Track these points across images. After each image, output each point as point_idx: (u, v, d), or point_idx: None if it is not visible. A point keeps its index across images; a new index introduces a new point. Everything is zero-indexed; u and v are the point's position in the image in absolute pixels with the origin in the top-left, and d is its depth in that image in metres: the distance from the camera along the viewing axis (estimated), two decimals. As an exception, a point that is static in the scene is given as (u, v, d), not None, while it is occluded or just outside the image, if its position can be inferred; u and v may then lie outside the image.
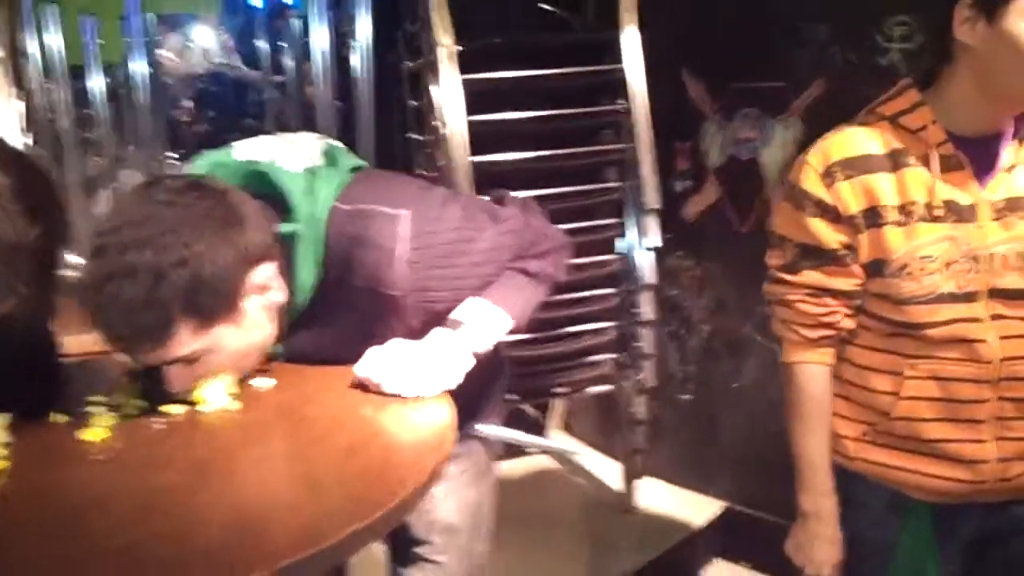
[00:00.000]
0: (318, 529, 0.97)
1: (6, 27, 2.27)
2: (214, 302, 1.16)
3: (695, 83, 2.74)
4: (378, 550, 1.69)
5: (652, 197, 2.56)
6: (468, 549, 1.60)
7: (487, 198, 1.50)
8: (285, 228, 1.26)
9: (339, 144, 1.42)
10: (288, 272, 1.28)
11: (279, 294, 1.26)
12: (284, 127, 3.98)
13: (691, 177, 2.80)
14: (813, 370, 1.44)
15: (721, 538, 2.79)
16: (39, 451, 1.15)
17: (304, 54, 3.61)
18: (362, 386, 1.31)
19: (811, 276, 1.40)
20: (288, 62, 3.76)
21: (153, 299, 1.11)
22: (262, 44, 4.24)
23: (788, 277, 1.43)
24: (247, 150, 1.36)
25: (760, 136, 2.63)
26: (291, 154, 1.34)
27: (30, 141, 2.29)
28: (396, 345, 1.31)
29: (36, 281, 1.10)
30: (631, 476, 2.82)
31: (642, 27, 2.56)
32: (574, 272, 2.57)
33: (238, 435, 1.21)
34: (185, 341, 1.16)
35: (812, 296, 1.41)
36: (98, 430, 1.19)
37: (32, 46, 2.34)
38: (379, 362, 1.29)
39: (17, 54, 2.31)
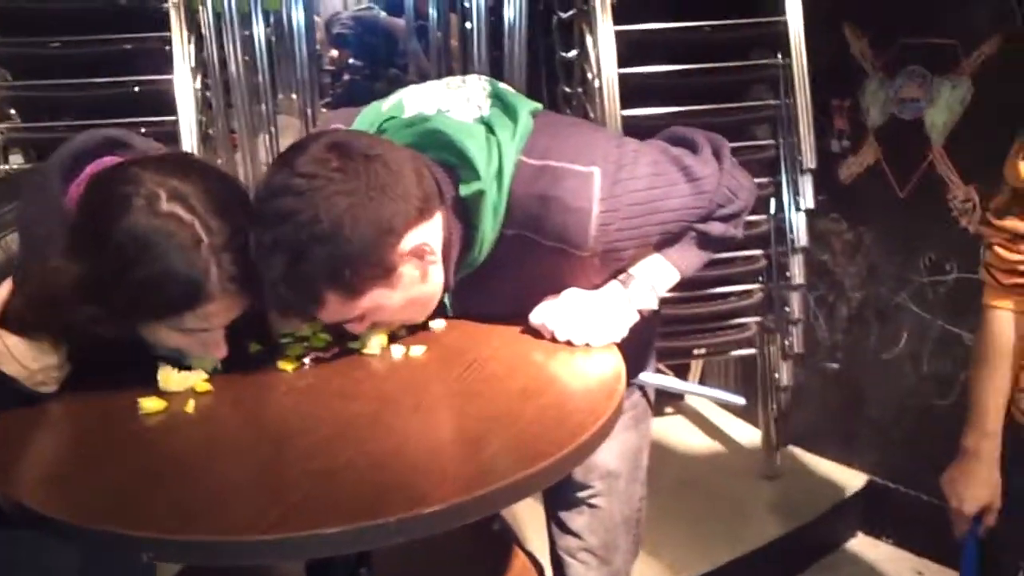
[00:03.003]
0: (504, 466, 1.00)
1: (181, -26, 2.36)
2: (359, 274, 1.14)
3: (858, 37, 2.62)
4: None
5: (808, 156, 2.47)
6: (627, 493, 1.60)
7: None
8: (466, 190, 1.24)
9: (507, 86, 1.37)
10: (467, 227, 1.27)
11: (437, 257, 1.23)
12: (425, 77, 4.04)
13: (848, 137, 2.69)
14: (1002, 315, 1.45)
15: (864, 511, 2.72)
16: (241, 377, 1.22)
17: (450, 5, 3.64)
18: (532, 332, 1.33)
19: (1012, 222, 1.40)
20: (433, 12, 3.79)
21: (297, 274, 1.11)
22: (407, -6, 4.30)
23: (994, 220, 1.44)
24: (415, 100, 1.34)
25: (926, 95, 2.50)
26: (459, 102, 1.31)
27: (199, 86, 2.40)
28: (571, 295, 1.31)
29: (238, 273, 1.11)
30: (773, 443, 2.77)
31: (802, -22, 2.47)
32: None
33: (419, 371, 1.25)
34: (336, 310, 1.17)
35: (1010, 242, 1.41)
36: (292, 360, 1.25)
37: (205, -7, 2.42)
38: (554, 311, 1.30)
39: (193, 1, 2.41)
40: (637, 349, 1.50)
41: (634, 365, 1.51)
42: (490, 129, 1.26)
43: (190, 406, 1.15)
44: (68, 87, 2.37)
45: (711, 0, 2.62)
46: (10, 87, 2.43)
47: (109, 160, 1.18)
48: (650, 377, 1.54)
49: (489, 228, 1.25)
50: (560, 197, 1.23)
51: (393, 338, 1.32)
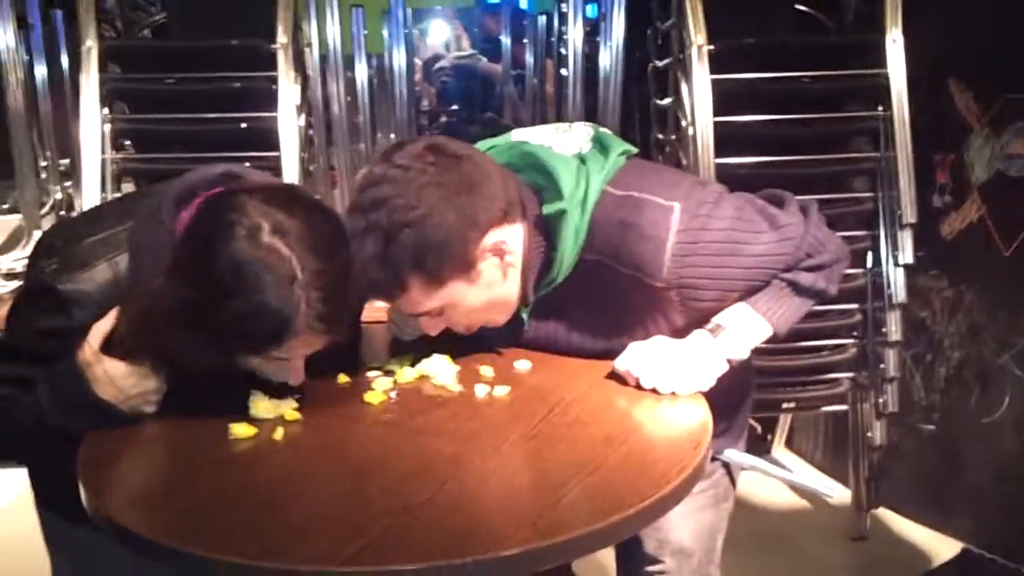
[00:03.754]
0: (586, 512, 0.99)
1: (290, 16, 2.46)
2: (443, 263, 1.20)
3: (962, 92, 2.56)
4: (607, 562, 1.69)
5: (909, 211, 2.41)
6: (699, 573, 1.56)
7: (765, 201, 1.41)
8: (549, 209, 1.28)
9: (609, 132, 1.42)
10: (549, 246, 1.30)
11: (517, 258, 1.28)
12: (520, 122, 4.09)
13: (951, 192, 2.61)
14: None
15: (957, 580, 2.60)
16: (329, 408, 1.25)
17: (546, 51, 3.69)
18: (617, 378, 1.32)
19: None
20: (529, 58, 3.85)
21: (385, 257, 1.18)
22: (504, 40, 4.39)
23: None
24: (522, 134, 1.40)
25: (1034, 152, 2.42)
26: (563, 141, 1.36)
27: (303, 123, 2.48)
28: (658, 341, 1.31)
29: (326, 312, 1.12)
30: (863, 503, 2.67)
31: (905, 31, 2.42)
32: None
33: (502, 412, 1.25)
34: (419, 297, 1.23)
35: None
36: (378, 393, 1.27)
37: (312, 35, 2.52)
38: (641, 356, 1.29)
39: (300, 42, 2.51)
40: (729, 420, 1.48)
41: (724, 437, 1.49)
42: (583, 161, 1.32)
43: (279, 434, 1.17)
44: (180, 121, 2.49)
45: (810, 51, 2.61)
46: (127, 119, 2.57)
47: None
48: (736, 455, 1.49)
49: (569, 249, 1.29)
50: (639, 224, 1.26)
51: (478, 378, 1.33)
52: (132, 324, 1.15)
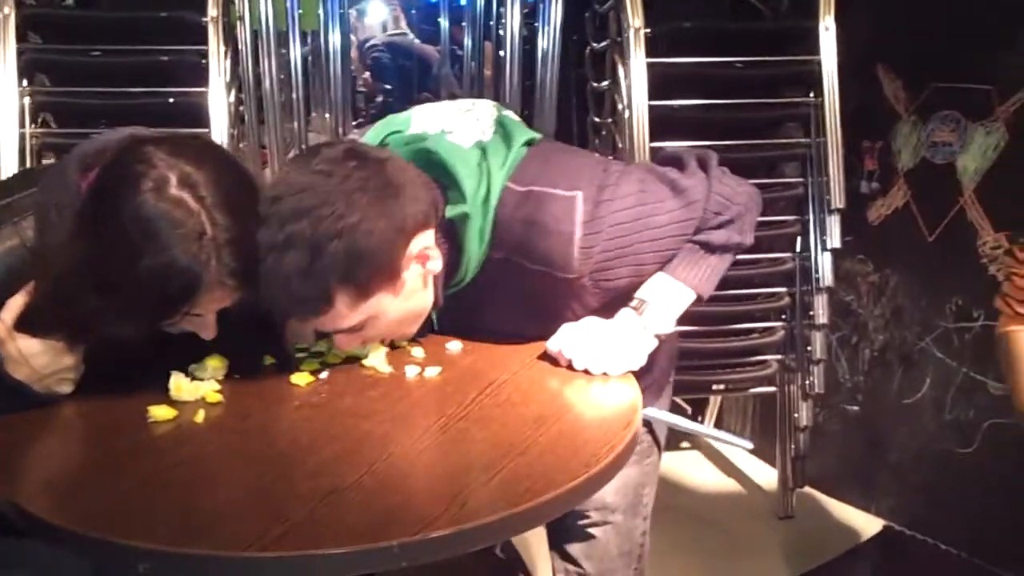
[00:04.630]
0: (515, 493, 0.98)
1: (221, -10, 2.39)
2: (372, 273, 1.15)
3: (891, 80, 2.61)
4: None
5: (837, 196, 2.46)
6: (626, 527, 1.58)
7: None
8: (452, 211, 1.25)
9: (513, 115, 1.39)
10: (453, 249, 1.28)
11: (438, 263, 1.25)
12: (457, 103, 4.07)
13: (878, 179, 2.66)
14: (1021, 335, 1.52)
15: (879, 557, 2.66)
16: (253, 390, 1.22)
17: (485, 34, 3.66)
18: (549, 359, 1.32)
19: None
20: (467, 41, 3.82)
21: (311, 271, 1.11)
22: (442, 21, 4.35)
23: (1018, 252, 1.54)
24: (423, 118, 1.35)
25: (958, 140, 2.48)
26: (464, 125, 1.32)
27: (233, 100, 2.42)
28: (589, 323, 1.31)
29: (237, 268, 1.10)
30: (790, 483, 2.73)
31: (837, 18, 2.46)
32: (747, 268, 2.53)
33: (433, 393, 1.24)
34: (344, 311, 1.17)
35: None
36: (305, 375, 1.24)
37: (244, 9, 2.45)
38: (572, 338, 1.29)
39: (232, 15, 2.44)
40: (649, 380, 1.49)
41: (645, 396, 1.50)
42: (484, 154, 1.28)
43: (200, 416, 1.14)
44: (104, 95, 2.40)
45: (745, 37, 2.63)
46: (48, 93, 2.47)
47: None
48: (656, 413, 1.51)
49: (475, 251, 1.27)
50: (543, 222, 1.24)
51: (409, 359, 1.32)
52: (41, 291, 1.11)
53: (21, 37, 2.35)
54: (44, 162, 2.43)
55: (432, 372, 1.28)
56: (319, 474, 1.01)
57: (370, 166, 1.16)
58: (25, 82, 2.36)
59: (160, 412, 1.14)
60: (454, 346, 1.37)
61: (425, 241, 1.22)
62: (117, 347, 1.11)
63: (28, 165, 2.36)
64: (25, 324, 1.12)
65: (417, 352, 1.34)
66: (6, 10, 2.32)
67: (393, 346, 1.36)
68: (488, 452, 1.07)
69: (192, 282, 1.06)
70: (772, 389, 2.69)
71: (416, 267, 1.22)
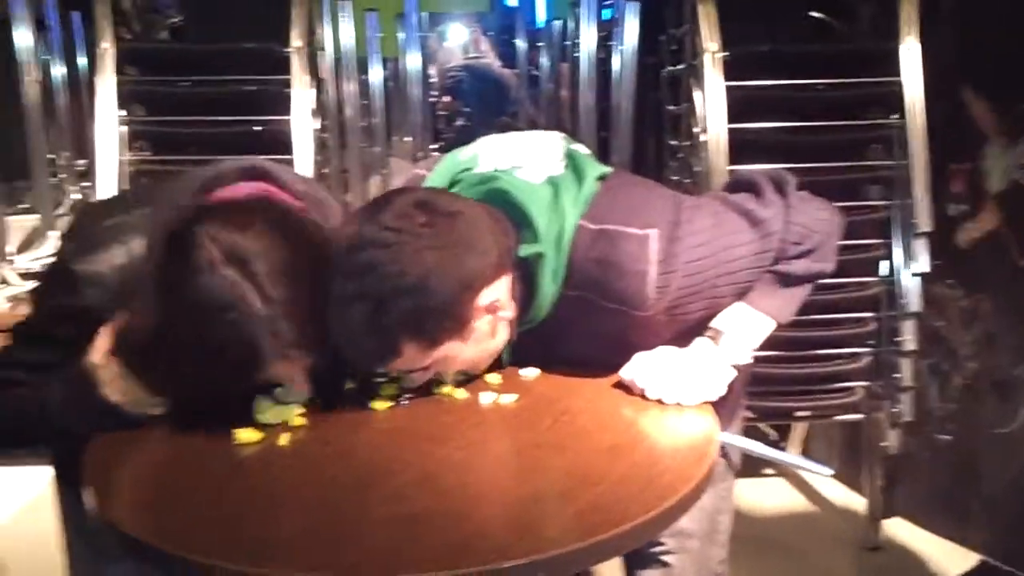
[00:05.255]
0: (590, 524, 0.98)
1: (305, 20, 2.47)
2: (439, 327, 1.16)
3: (978, 101, 2.53)
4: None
5: (924, 219, 2.39)
6: (702, 554, 1.55)
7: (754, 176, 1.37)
8: (526, 251, 1.24)
9: (582, 147, 1.39)
10: (527, 287, 1.27)
11: (509, 312, 1.25)
12: (534, 125, 4.09)
13: (966, 201, 2.58)
14: None
15: (974, 593, 2.56)
16: (334, 414, 1.25)
17: (561, 56, 3.69)
18: (623, 387, 1.32)
19: None
20: (544, 62, 3.85)
21: (377, 326, 1.13)
22: (520, 43, 4.40)
23: None
24: (491, 154, 1.35)
25: (1052, 162, 2.39)
26: (533, 159, 1.32)
27: (316, 126, 2.49)
28: (663, 352, 1.30)
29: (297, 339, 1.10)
30: (878, 513, 2.65)
31: (920, 38, 2.40)
32: (831, 292, 2.47)
33: (508, 420, 1.25)
34: (412, 359, 1.19)
35: None
36: (384, 401, 1.27)
37: (326, 39, 2.53)
38: (646, 367, 1.29)
39: (315, 45, 2.52)
40: (722, 405, 1.47)
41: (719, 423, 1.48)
42: (556, 191, 1.27)
43: (284, 439, 1.17)
44: (195, 124, 2.50)
45: (825, 59, 2.59)
46: (143, 121, 2.59)
47: (245, 186, 1.21)
48: (731, 438, 1.49)
49: (548, 291, 1.26)
50: (618, 261, 1.23)
51: (485, 385, 1.33)
52: (129, 340, 1.15)
53: (120, 69, 2.48)
54: (141, 187, 2.54)
55: (507, 399, 1.29)
56: (395, 500, 1.02)
57: (439, 222, 1.16)
58: (123, 112, 2.48)
59: (246, 435, 1.17)
60: (529, 373, 1.37)
61: (497, 292, 1.21)
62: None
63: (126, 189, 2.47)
64: (121, 349, 1.16)
65: (492, 378, 1.35)
66: (104, 45, 2.45)
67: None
68: (562, 481, 1.07)
69: (251, 359, 1.07)
70: (858, 416, 2.62)
71: (486, 316, 1.22)
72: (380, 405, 1.26)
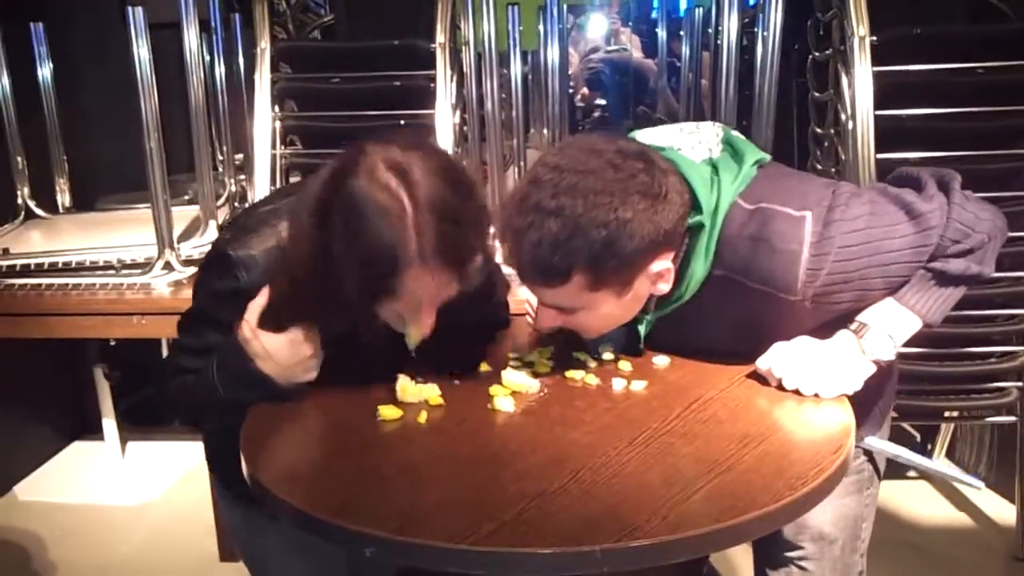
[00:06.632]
0: (718, 509, 0.99)
1: (448, 16, 2.54)
2: (614, 272, 1.19)
3: None
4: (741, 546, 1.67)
5: (1091, 211, 2.24)
6: (842, 562, 1.52)
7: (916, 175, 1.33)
8: (692, 220, 1.25)
9: (740, 135, 1.38)
10: (680, 262, 1.27)
11: (666, 286, 1.27)
12: (673, 115, 4.04)
13: None
14: None
15: None
16: (470, 394, 1.30)
17: (703, 43, 3.63)
18: (758, 377, 1.31)
19: None
20: (685, 50, 3.79)
21: (565, 246, 1.16)
22: (659, 32, 4.35)
23: None
24: (648, 136, 1.37)
25: None
26: (692, 143, 1.33)
27: (458, 120, 2.56)
28: (802, 343, 1.28)
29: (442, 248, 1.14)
30: (1031, 522, 2.51)
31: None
32: (985, 287, 2.35)
33: (639, 406, 1.26)
34: (572, 293, 1.21)
35: None
36: (517, 384, 1.31)
37: (468, 33, 2.59)
38: (784, 357, 1.27)
39: (458, 41, 2.59)
40: (869, 408, 1.43)
41: (865, 426, 1.44)
42: (715, 170, 1.28)
43: (423, 417, 1.23)
44: (343, 119, 2.62)
45: (982, 40, 2.45)
46: (296, 117, 2.73)
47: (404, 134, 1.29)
48: (879, 443, 1.44)
49: (700, 266, 1.26)
50: (770, 240, 1.22)
51: (617, 372, 1.35)
52: (279, 287, 1.22)
53: (275, 68, 2.63)
54: (291, 180, 2.69)
55: (638, 386, 1.31)
56: (527, 478, 1.06)
57: (655, 174, 1.19)
58: (277, 108, 2.63)
59: (388, 412, 1.24)
60: (661, 360, 1.39)
61: (666, 263, 1.24)
62: (352, 350, 1.21)
63: (279, 181, 2.62)
64: (267, 322, 1.24)
65: (624, 366, 1.37)
66: (262, 44, 2.60)
67: (601, 361, 1.40)
68: (692, 467, 1.08)
69: (394, 256, 1.11)
70: (1012, 419, 2.48)
71: (646, 283, 1.25)
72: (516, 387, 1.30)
